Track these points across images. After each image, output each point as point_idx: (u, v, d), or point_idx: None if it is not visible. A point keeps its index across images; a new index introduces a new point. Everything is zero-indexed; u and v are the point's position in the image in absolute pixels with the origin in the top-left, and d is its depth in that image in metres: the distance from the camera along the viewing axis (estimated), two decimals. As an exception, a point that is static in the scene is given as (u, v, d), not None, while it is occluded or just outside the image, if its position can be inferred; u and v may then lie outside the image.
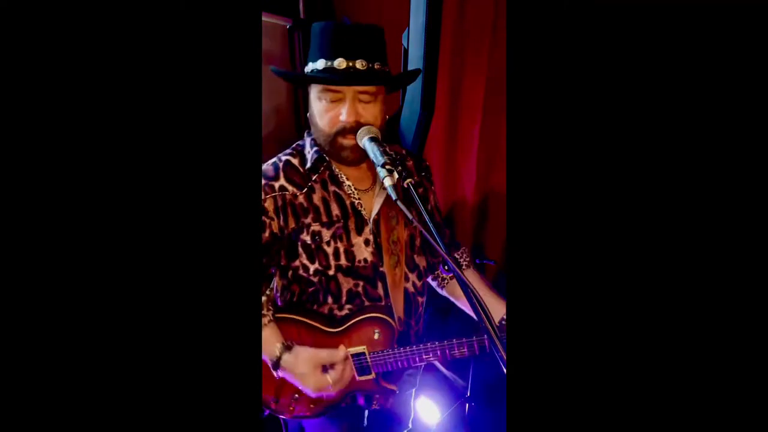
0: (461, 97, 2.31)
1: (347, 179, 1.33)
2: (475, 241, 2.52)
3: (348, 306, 1.34)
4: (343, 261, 1.30)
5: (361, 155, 1.22)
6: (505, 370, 0.77)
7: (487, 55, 2.16)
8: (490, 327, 0.85)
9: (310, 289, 1.34)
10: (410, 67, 2.01)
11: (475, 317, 0.89)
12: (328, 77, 1.18)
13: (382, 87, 1.25)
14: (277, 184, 1.28)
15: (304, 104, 2.53)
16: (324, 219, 1.29)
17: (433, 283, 1.58)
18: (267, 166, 1.32)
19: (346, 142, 1.22)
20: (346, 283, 1.32)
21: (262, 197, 1.26)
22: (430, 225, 0.95)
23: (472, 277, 1.53)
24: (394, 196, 1.01)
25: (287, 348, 1.28)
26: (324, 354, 1.28)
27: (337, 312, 1.35)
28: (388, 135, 1.44)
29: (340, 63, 1.17)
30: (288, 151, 1.37)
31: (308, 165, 1.30)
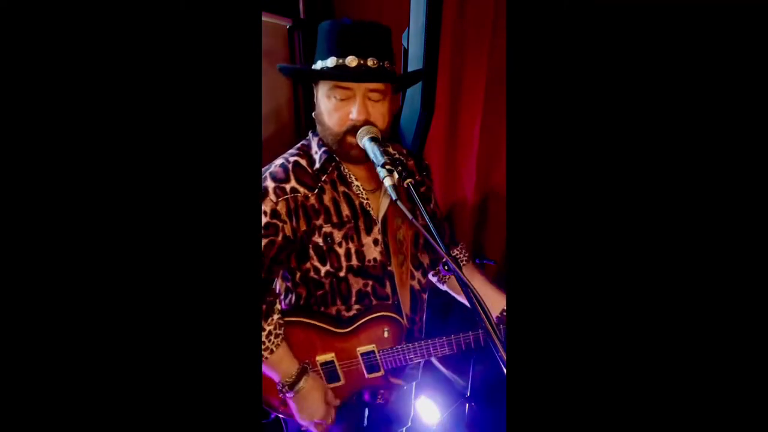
0: (461, 97, 2.31)
1: (356, 179, 1.33)
2: (475, 241, 2.52)
3: (356, 306, 1.34)
4: (354, 261, 1.31)
5: None
6: (505, 370, 0.77)
7: (487, 55, 2.16)
8: (489, 327, 0.85)
9: (319, 292, 1.33)
10: (410, 67, 2.01)
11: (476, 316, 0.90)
12: (340, 74, 1.18)
13: (390, 86, 1.24)
14: (288, 186, 1.26)
15: (304, 105, 2.54)
16: (335, 220, 1.29)
17: (434, 279, 1.59)
18: (276, 168, 1.29)
19: (356, 140, 1.21)
20: (355, 284, 1.33)
21: (274, 200, 1.23)
22: (431, 225, 0.95)
23: (470, 272, 1.55)
24: (394, 196, 1.01)
25: (304, 371, 1.29)
26: (330, 395, 1.34)
27: (344, 313, 1.35)
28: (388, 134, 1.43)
29: (351, 60, 1.16)
30: (293, 151, 1.35)
31: (317, 165, 1.29)
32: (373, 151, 1.12)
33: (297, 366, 1.29)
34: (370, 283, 1.34)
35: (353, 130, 1.20)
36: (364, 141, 1.16)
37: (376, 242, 1.33)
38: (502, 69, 2.07)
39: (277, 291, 1.42)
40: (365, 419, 1.49)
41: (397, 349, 1.35)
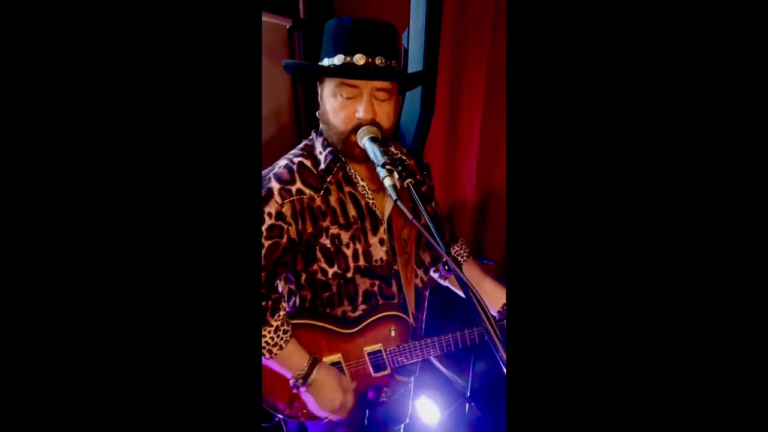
0: (461, 97, 2.31)
1: (361, 179, 1.32)
2: (475, 241, 2.52)
3: (363, 306, 1.34)
4: (361, 262, 1.30)
5: None
6: (505, 370, 0.77)
7: (487, 55, 2.16)
8: (489, 327, 0.85)
9: (326, 294, 1.33)
10: (410, 67, 2.01)
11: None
12: (348, 71, 1.17)
13: (396, 86, 1.24)
14: (294, 188, 1.24)
15: (305, 105, 2.54)
16: (342, 221, 1.28)
17: (435, 275, 1.60)
18: (281, 169, 1.27)
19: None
20: (362, 284, 1.32)
21: (280, 202, 1.22)
22: (431, 225, 0.95)
23: (471, 267, 1.56)
24: (394, 196, 1.01)
25: (315, 363, 1.28)
26: (345, 380, 1.33)
27: (350, 313, 1.35)
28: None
29: (359, 59, 1.16)
30: (297, 152, 1.33)
31: (322, 166, 1.28)
32: (373, 151, 1.12)
33: (308, 358, 1.29)
34: (377, 283, 1.34)
35: (359, 128, 1.19)
36: (364, 141, 1.16)
37: (382, 242, 1.33)
38: (502, 69, 2.07)
39: (280, 293, 1.41)
40: (365, 419, 1.49)
41: (403, 347, 1.36)
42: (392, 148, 1.41)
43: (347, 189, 1.31)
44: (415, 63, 1.96)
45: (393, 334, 1.35)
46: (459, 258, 1.57)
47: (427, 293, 1.50)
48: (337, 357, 1.35)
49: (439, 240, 0.94)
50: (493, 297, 1.48)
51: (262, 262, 1.22)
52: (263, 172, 1.29)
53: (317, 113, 1.29)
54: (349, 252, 1.29)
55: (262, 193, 1.23)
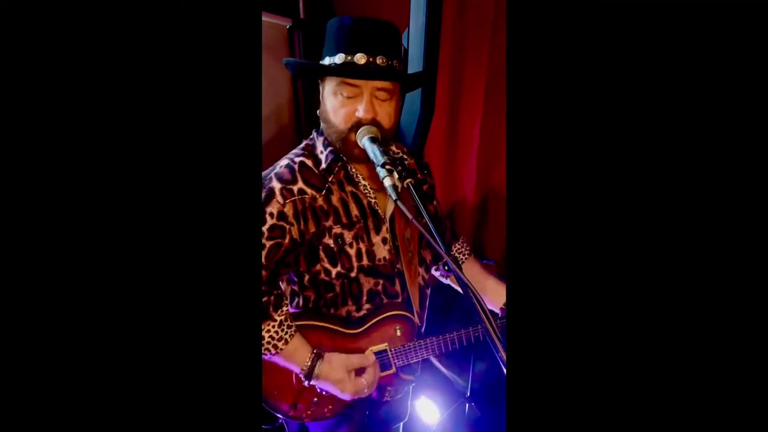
0: (461, 97, 2.31)
1: (362, 179, 1.32)
2: (475, 241, 2.52)
3: (367, 306, 1.34)
4: (365, 261, 1.30)
5: None
6: (505, 370, 0.77)
7: (487, 55, 2.16)
8: (489, 327, 0.85)
9: (329, 294, 1.32)
10: (410, 67, 2.01)
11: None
12: (349, 71, 1.17)
13: (397, 87, 1.23)
14: (295, 188, 1.24)
15: (305, 105, 2.54)
16: (344, 221, 1.28)
17: (437, 273, 1.60)
18: (282, 169, 1.27)
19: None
20: (366, 283, 1.32)
21: (281, 202, 1.22)
22: (431, 225, 0.95)
23: (472, 265, 1.56)
24: (393, 196, 1.00)
25: (318, 356, 1.28)
26: (355, 359, 1.31)
27: (354, 313, 1.35)
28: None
29: (360, 58, 1.16)
30: (298, 151, 1.33)
31: (323, 165, 1.27)
32: (372, 151, 1.12)
33: (310, 351, 1.28)
34: (381, 282, 1.33)
35: (358, 127, 1.18)
36: (364, 141, 1.16)
37: (384, 241, 1.33)
38: (502, 69, 2.07)
39: (282, 291, 1.41)
40: (366, 416, 1.49)
41: (409, 346, 1.36)
42: (393, 147, 1.41)
43: (349, 188, 1.30)
44: (415, 63, 1.96)
45: (398, 333, 1.35)
46: (461, 255, 1.57)
47: (428, 291, 1.50)
48: None
49: (439, 240, 0.93)
50: (495, 295, 1.48)
51: (264, 263, 1.21)
52: (264, 173, 1.29)
53: (318, 112, 1.29)
54: (352, 251, 1.29)
55: (264, 194, 1.23)
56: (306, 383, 1.28)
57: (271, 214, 1.21)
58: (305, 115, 2.54)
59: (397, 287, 1.37)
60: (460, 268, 0.89)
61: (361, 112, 1.18)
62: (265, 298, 1.22)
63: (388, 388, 1.43)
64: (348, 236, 1.28)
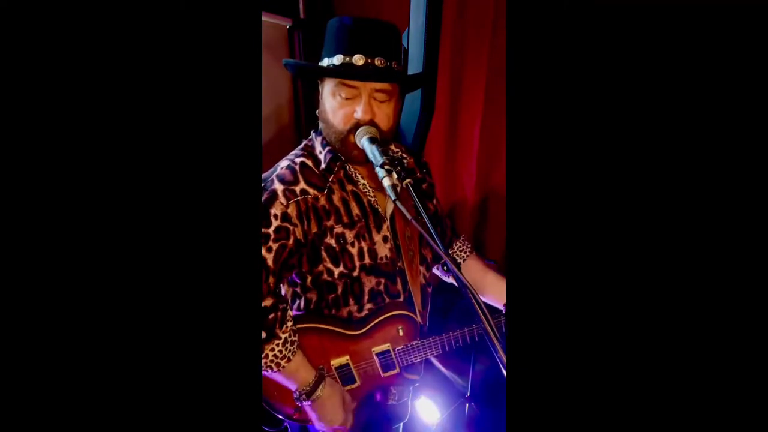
0: (461, 97, 2.31)
1: (361, 178, 1.32)
2: (475, 241, 2.52)
3: (369, 305, 1.34)
4: (367, 260, 1.30)
5: None
6: (504, 372, 0.77)
7: (487, 55, 2.16)
8: (489, 328, 0.85)
9: (331, 295, 1.32)
10: (410, 67, 2.01)
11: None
12: (347, 72, 1.16)
13: (397, 88, 1.23)
14: (298, 188, 1.24)
15: (305, 105, 2.54)
16: (345, 220, 1.27)
17: (438, 272, 1.60)
18: (283, 170, 1.27)
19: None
20: (368, 282, 1.32)
21: (285, 203, 1.21)
22: (429, 226, 0.95)
23: (474, 263, 1.56)
24: (393, 196, 1.00)
25: (321, 378, 1.28)
26: (348, 398, 1.33)
27: (356, 314, 1.34)
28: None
29: (358, 59, 1.15)
30: (298, 152, 1.33)
31: (323, 166, 1.27)
32: (371, 152, 1.12)
33: (314, 373, 1.28)
34: (383, 281, 1.33)
35: (357, 128, 1.18)
36: (363, 141, 1.16)
37: (385, 239, 1.33)
38: (502, 69, 2.07)
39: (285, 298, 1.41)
40: (367, 418, 1.49)
41: (412, 345, 1.35)
42: (392, 147, 1.41)
43: (349, 187, 1.30)
44: (414, 63, 1.96)
45: (401, 333, 1.35)
46: (462, 253, 1.57)
47: (430, 290, 1.50)
48: (345, 359, 1.34)
49: (438, 240, 0.93)
50: (498, 291, 1.48)
51: (270, 266, 1.20)
52: (265, 175, 1.28)
53: (317, 112, 1.29)
54: (354, 251, 1.28)
55: (266, 196, 1.22)
56: (299, 402, 1.29)
57: (276, 216, 1.21)
58: (305, 115, 2.54)
59: (399, 286, 1.36)
60: (459, 269, 0.89)
61: (359, 114, 1.18)
62: (271, 315, 1.21)
63: (393, 391, 1.42)
64: (349, 235, 1.28)
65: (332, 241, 1.26)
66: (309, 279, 1.31)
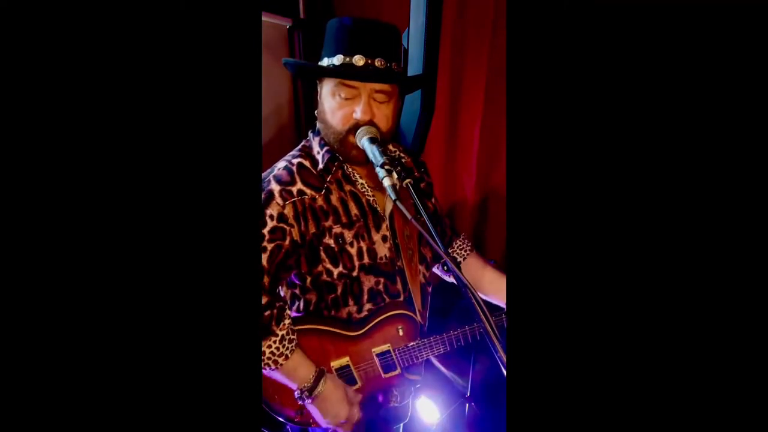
0: (461, 97, 2.31)
1: (360, 177, 1.32)
2: (475, 241, 2.52)
3: (368, 306, 1.34)
4: (366, 260, 1.30)
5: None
6: (504, 371, 0.77)
7: (487, 55, 2.16)
8: (488, 328, 0.85)
9: (331, 296, 1.32)
10: (410, 68, 2.01)
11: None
12: (346, 72, 1.16)
13: (396, 89, 1.23)
14: (295, 189, 1.24)
15: (305, 105, 2.54)
16: (344, 220, 1.27)
17: (438, 271, 1.60)
18: (280, 171, 1.27)
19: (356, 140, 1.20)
20: (367, 282, 1.32)
21: (281, 203, 1.21)
22: (429, 225, 0.95)
23: (475, 261, 1.56)
24: (393, 196, 1.01)
25: (321, 374, 1.26)
26: (351, 393, 1.31)
27: (356, 314, 1.34)
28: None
29: (358, 60, 1.16)
30: (295, 153, 1.33)
31: (320, 166, 1.27)
32: (372, 152, 1.12)
33: (314, 370, 1.27)
34: (382, 280, 1.33)
35: (356, 129, 1.18)
36: (363, 141, 1.16)
37: (385, 239, 1.32)
38: (502, 69, 2.07)
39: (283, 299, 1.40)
40: (368, 419, 1.49)
41: (412, 345, 1.35)
42: (390, 147, 1.41)
43: (347, 187, 1.30)
44: (414, 63, 1.96)
45: (401, 333, 1.34)
46: (462, 251, 1.57)
47: (430, 289, 1.50)
48: (345, 360, 1.34)
49: (437, 239, 0.93)
50: (499, 289, 1.48)
51: (266, 266, 1.20)
52: (262, 175, 1.28)
53: (316, 112, 1.29)
54: (353, 250, 1.28)
55: (263, 196, 1.22)
56: (302, 401, 1.27)
57: (271, 216, 1.21)
58: (305, 115, 2.54)
59: (399, 285, 1.36)
60: (459, 268, 0.89)
61: (358, 114, 1.18)
62: (267, 312, 1.20)
63: (395, 392, 1.42)
64: (348, 235, 1.27)
65: (331, 242, 1.26)
66: (308, 280, 1.31)
